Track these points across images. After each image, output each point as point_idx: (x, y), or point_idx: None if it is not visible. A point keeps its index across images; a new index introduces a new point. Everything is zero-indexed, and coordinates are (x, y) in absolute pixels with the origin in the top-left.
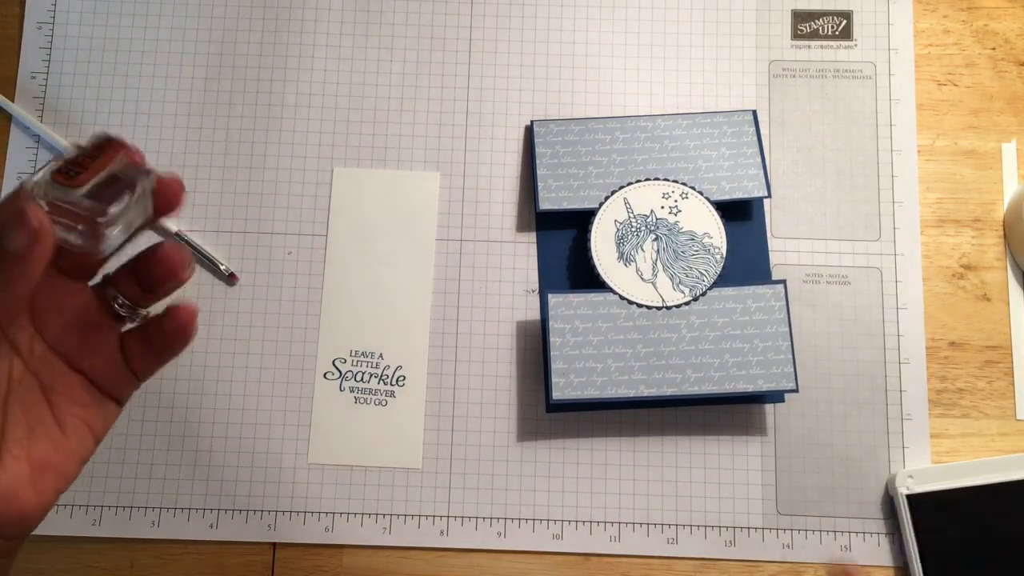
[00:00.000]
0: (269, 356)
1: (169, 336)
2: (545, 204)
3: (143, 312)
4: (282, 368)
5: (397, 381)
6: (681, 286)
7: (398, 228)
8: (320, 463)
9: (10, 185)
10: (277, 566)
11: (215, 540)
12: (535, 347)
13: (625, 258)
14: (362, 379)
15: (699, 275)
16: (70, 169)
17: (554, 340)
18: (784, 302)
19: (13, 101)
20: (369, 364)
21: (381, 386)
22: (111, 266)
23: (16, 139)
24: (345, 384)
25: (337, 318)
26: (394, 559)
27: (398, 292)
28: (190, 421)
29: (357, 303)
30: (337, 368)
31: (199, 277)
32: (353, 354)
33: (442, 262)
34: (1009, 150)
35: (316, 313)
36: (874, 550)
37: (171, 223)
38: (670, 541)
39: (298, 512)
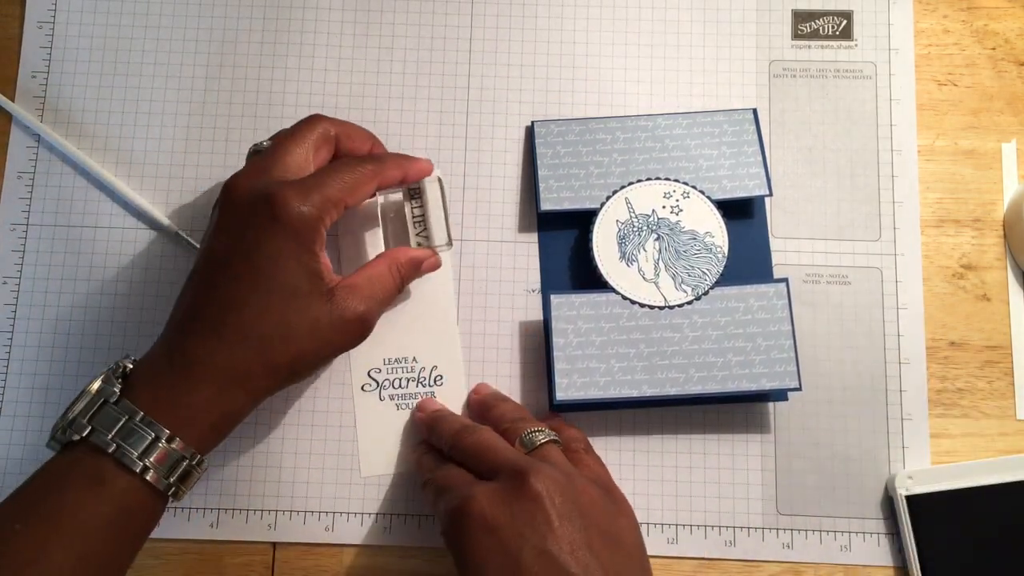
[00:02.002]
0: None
1: None
2: (547, 205)
3: None
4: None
5: (435, 381)
6: (683, 285)
7: None
8: (375, 474)
9: (10, 185)
10: (277, 566)
11: (215, 540)
12: (537, 347)
13: (627, 258)
14: (400, 385)
15: (701, 274)
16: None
17: (557, 341)
18: (786, 300)
19: (13, 101)
20: (404, 369)
21: (420, 389)
22: None
23: (16, 139)
24: (384, 393)
25: None
26: (394, 559)
27: (419, 292)
28: None
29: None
30: (373, 379)
31: None
32: (387, 362)
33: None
34: (1009, 150)
35: None
36: (874, 550)
37: (173, 223)
38: (670, 541)
39: (298, 512)
